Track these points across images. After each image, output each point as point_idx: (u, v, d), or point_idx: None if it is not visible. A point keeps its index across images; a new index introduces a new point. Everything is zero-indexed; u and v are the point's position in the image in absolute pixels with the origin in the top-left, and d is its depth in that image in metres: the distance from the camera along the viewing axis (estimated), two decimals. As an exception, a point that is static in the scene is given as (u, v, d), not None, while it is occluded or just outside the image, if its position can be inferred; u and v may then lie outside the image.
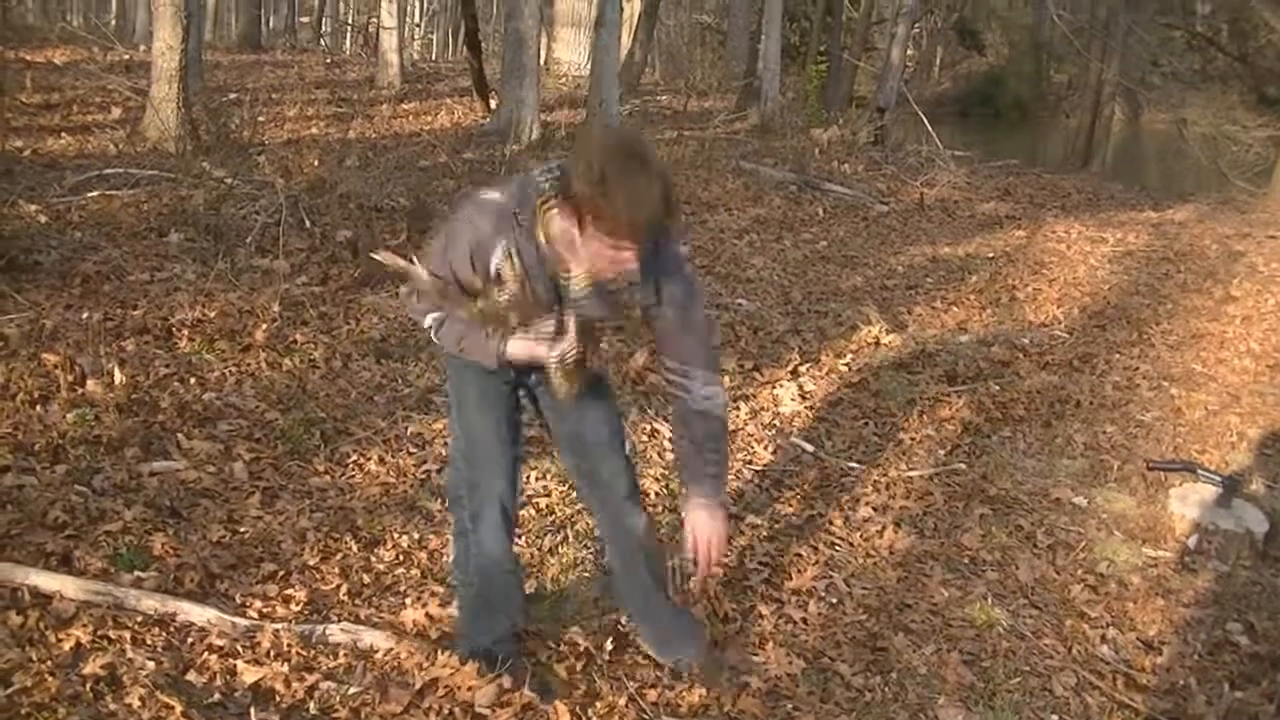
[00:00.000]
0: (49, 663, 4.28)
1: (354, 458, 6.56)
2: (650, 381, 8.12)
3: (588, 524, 6.09)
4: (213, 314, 8.00)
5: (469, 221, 4.16)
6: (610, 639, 5.00)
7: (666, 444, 7.32)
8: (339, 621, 4.91)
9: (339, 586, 5.25)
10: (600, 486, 4.80)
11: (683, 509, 4.57)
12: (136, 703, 4.13)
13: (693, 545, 4.48)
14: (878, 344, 9.72)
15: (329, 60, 29.23)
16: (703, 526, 4.45)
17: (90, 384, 6.71)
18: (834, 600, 5.74)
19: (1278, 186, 22.45)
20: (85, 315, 7.73)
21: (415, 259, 4.29)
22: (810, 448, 7.61)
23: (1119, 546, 6.73)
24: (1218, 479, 7.06)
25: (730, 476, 6.78)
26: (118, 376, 6.76)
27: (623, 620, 5.15)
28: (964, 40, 47.60)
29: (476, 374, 4.48)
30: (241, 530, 5.60)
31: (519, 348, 4.25)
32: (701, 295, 4.40)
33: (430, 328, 4.37)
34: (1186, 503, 7.03)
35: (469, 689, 4.47)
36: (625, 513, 4.79)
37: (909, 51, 28.74)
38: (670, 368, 4.36)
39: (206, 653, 4.56)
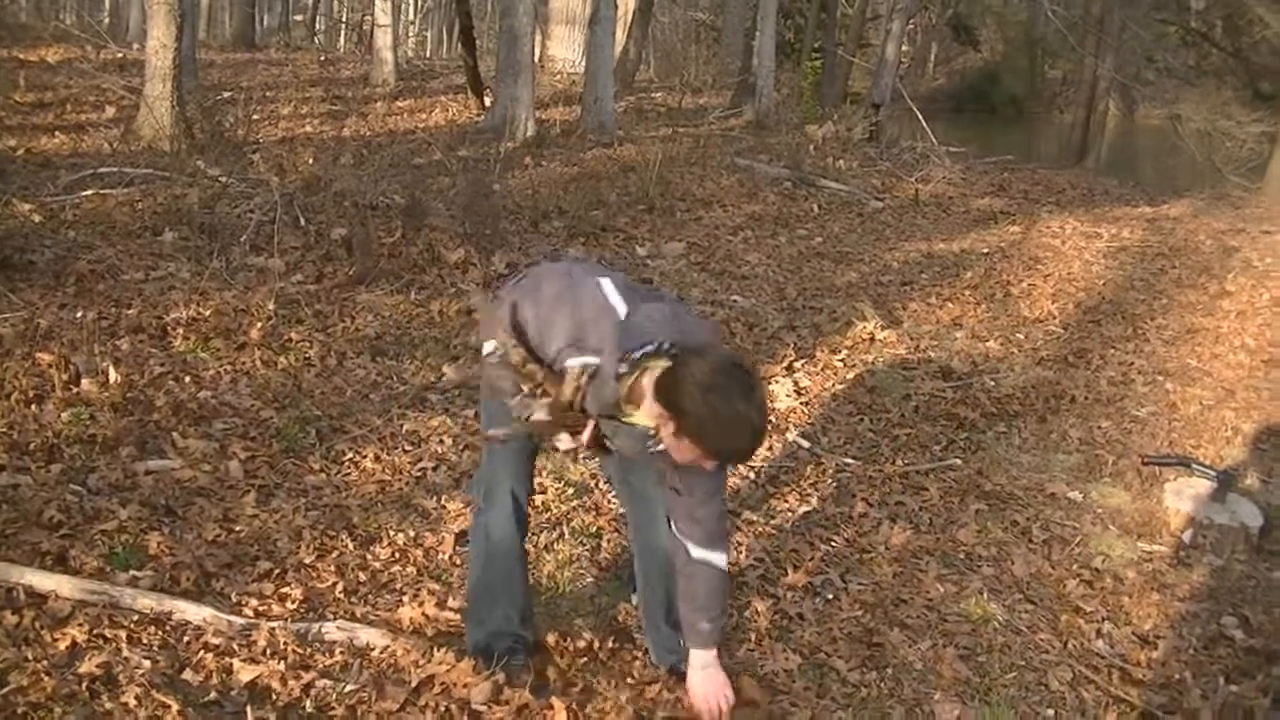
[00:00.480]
0: (45, 662, 4.28)
1: (349, 455, 6.57)
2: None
3: (583, 520, 6.12)
4: (207, 312, 8.00)
5: (582, 305, 4.10)
6: (610, 636, 5.01)
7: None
8: (335, 619, 4.91)
9: (335, 584, 5.25)
10: (641, 501, 4.78)
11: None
12: (132, 701, 4.13)
13: (693, 707, 4.49)
14: (873, 340, 9.72)
15: (323, 58, 29.20)
16: (699, 688, 4.47)
17: (85, 383, 6.71)
18: (830, 596, 5.75)
19: (1272, 182, 22.47)
20: (80, 314, 7.72)
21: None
22: (806, 444, 7.61)
23: (1114, 541, 6.73)
24: (1213, 473, 7.06)
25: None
26: (112, 375, 6.76)
27: (620, 617, 5.16)
28: (959, 36, 47.57)
29: None
30: (237, 529, 5.60)
31: (540, 424, 4.26)
32: (724, 487, 4.41)
33: (486, 356, 4.34)
34: (1181, 497, 7.03)
35: (465, 686, 4.47)
36: (659, 533, 4.72)
37: (904, 47, 28.72)
38: (679, 529, 4.36)
39: (202, 651, 4.56)
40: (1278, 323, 11.75)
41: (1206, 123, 28.81)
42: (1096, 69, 28.18)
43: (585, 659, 4.87)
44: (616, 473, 4.84)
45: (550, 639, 4.96)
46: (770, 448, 7.50)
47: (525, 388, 4.22)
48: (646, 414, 3.98)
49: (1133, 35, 29.15)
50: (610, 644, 4.97)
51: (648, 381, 3.91)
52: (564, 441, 4.32)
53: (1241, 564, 6.61)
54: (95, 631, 4.55)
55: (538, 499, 6.31)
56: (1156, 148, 35.06)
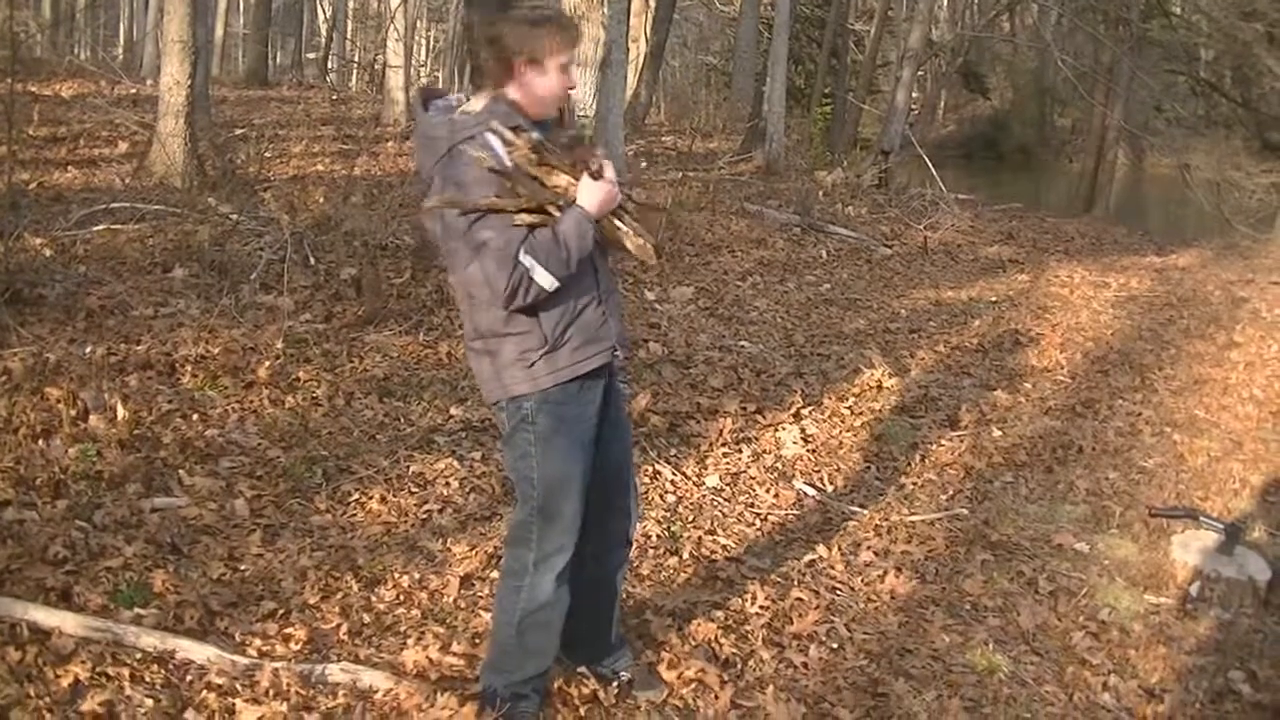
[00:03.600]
0: (47, 699, 4.29)
1: (355, 496, 6.56)
2: (652, 424, 8.12)
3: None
4: (216, 350, 8.00)
5: (461, 158, 4.21)
6: (614, 684, 5.00)
7: (669, 486, 7.34)
8: (339, 661, 4.91)
9: (339, 626, 5.24)
10: (609, 511, 4.80)
11: None
12: (135, 740, 4.13)
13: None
14: (880, 387, 9.71)
15: (335, 97, 29.26)
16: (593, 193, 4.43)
17: (93, 419, 6.72)
18: (835, 645, 5.73)
19: (1281, 232, 22.49)
20: (89, 350, 7.73)
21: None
22: (812, 491, 7.61)
23: (1121, 593, 6.72)
24: (1220, 526, 7.05)
25: (732, 520, 6.79)
26: (120, 412, 6.77)
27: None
28: (969, 84, 47.68)
29: (571, 417, 4.50)
30: (242, 568, 5.60)
31: (591, 196, 4.41)
32: None
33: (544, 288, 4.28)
34: (1189, 549, 7.02)
35: (469, 731, 4.47)
36: (619, 542, 4.89)
37: (914, 94, 28.74)
38: None
39: (205, 691, 4.56)
40: (1286, 375, 11.75)
41: (1215, 173, 28.82)
42: (1106, 118, 28.21)
43: (590, 705, 4.87)
44: (597, 473, 4.70)
45: (556, 685, 4.95)
46: (777, 495, 7.50)
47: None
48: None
49: (1142, 84, 29.17)
50: (615, 691, 4.96)
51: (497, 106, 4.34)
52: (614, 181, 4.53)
53: (1249, 618, 6.59)
54: (98, 669, 4.55)
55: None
56: (1165, 197, 35.10)
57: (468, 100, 4.45)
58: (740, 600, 6.00)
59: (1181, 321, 13.84)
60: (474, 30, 3.96)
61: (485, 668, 4.81)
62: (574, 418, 4.51)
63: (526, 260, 4.19)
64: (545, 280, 4.22)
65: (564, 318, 4.40)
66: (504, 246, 4.18)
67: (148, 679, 4.57)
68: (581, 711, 4.82)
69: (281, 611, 5.29)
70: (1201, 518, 7.22)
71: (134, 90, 21.59)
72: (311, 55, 46.38)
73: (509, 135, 4.22)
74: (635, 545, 6.18)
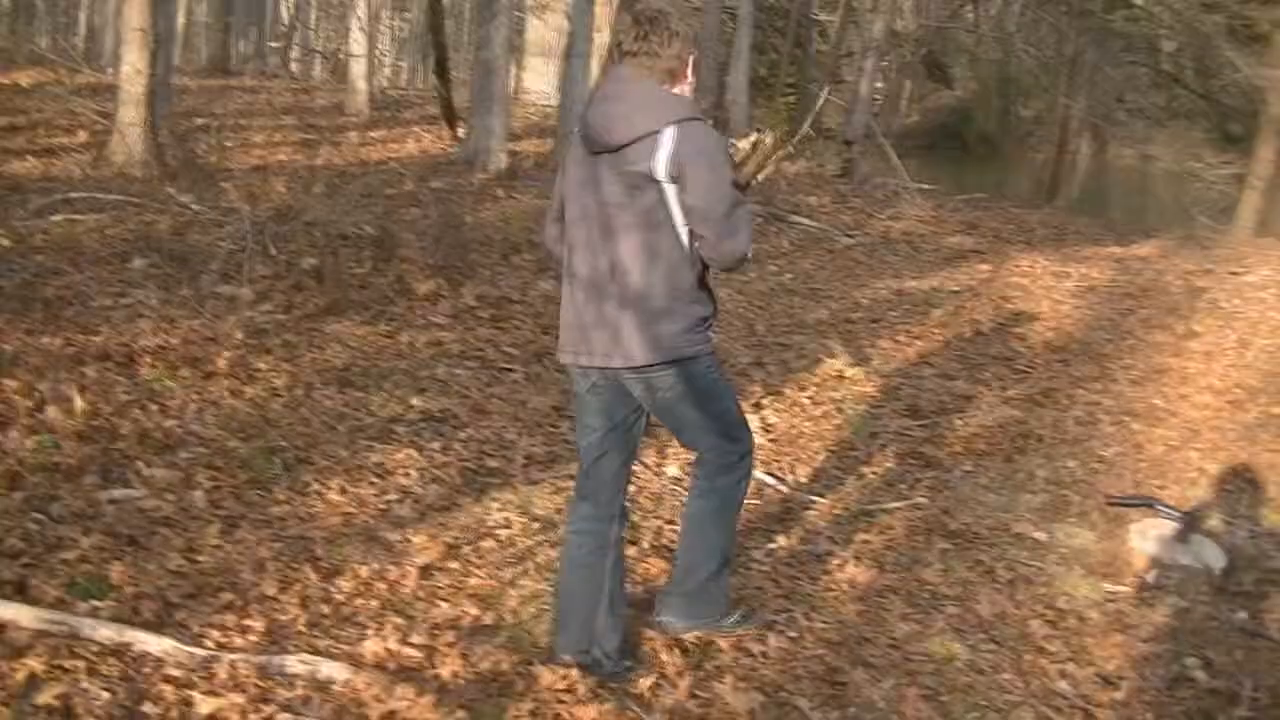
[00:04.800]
0: (2, 692, 4.27)
1: (315, 487, 6.55)
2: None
3: (549, 556, 6.10)
4: (175, 341, 7.98)
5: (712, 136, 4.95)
6: (581, 683, 5.00)
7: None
8: (297, 652, 4.89)
9: (297, 617, 5.23)
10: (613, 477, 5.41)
11: None
12: (91, 733, 4.12)
13: None
14: (841, 377, 9.73)
15: (297, 86, 29.21)
16: None
17: (50, 410, 6.68)
18: (793, 634, 5.74)
19: (1240, 224, 22.56)
20: (46, 340, 7.70)
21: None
22: (772, 481, 7.62)
23: (1078, 581, 6.74)
24: (1177, 514, 7.10)
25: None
26: (78, 403, 6.74)
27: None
28: (932, 74, 47.68)
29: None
30: (200, 559, 5.58)
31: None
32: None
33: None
34: (1146, 538, 7.06)
35: (426, 723, 4.47)
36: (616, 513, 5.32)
37: (877, 85, 28.79)
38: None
39: (162, 683, 4.53)
40: (1244, 364, 11.80)
41: (1176, 164, 29.00)
42: (1068, 109, 28.34)
43: (563, 697, 4.87)
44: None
45: (520, 677, 4.96)
46: (737, 484, 7.51)
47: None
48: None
49: (1104, 76, 29.30)
50: (588, 684, 4.96)
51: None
52: None
53: (1205, 605, 6.62)
54: (54, 662, 4.52)
55: (503, 533, 6.32)
56: (1127, 187, 35.23)
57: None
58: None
59: (1141, 311, 13.87)
60: (650, 19, 4.39)
61: (699, 601, 5.52)
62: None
63: None
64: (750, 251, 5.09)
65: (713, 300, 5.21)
66: (751, 219, 5.05)
67: (104, 671, 4.55)
68: (558, 699, 4.82)
69: (239, 603, 5.27)
70: (1159, 506, 7.27)
71: (94, 79, 21.49)
72: (274, 44, 46.23)
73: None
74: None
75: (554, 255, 5.64)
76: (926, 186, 22.54)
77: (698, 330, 5.05)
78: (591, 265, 5.06)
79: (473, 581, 5.80)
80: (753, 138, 5.40)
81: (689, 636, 5.50)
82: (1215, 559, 6.89)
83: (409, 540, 6.10)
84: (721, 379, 5.38)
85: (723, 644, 5.50)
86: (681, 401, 5.17)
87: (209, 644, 4.89)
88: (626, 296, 4.96)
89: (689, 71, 4.99)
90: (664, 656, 5.32)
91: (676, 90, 4.94)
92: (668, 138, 4.75)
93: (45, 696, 4.26)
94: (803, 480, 7.74)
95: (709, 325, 5.14)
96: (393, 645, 5.05)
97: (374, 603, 5.49)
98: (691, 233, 4.91)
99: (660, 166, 4.76)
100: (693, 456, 5.66)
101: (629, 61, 4.96)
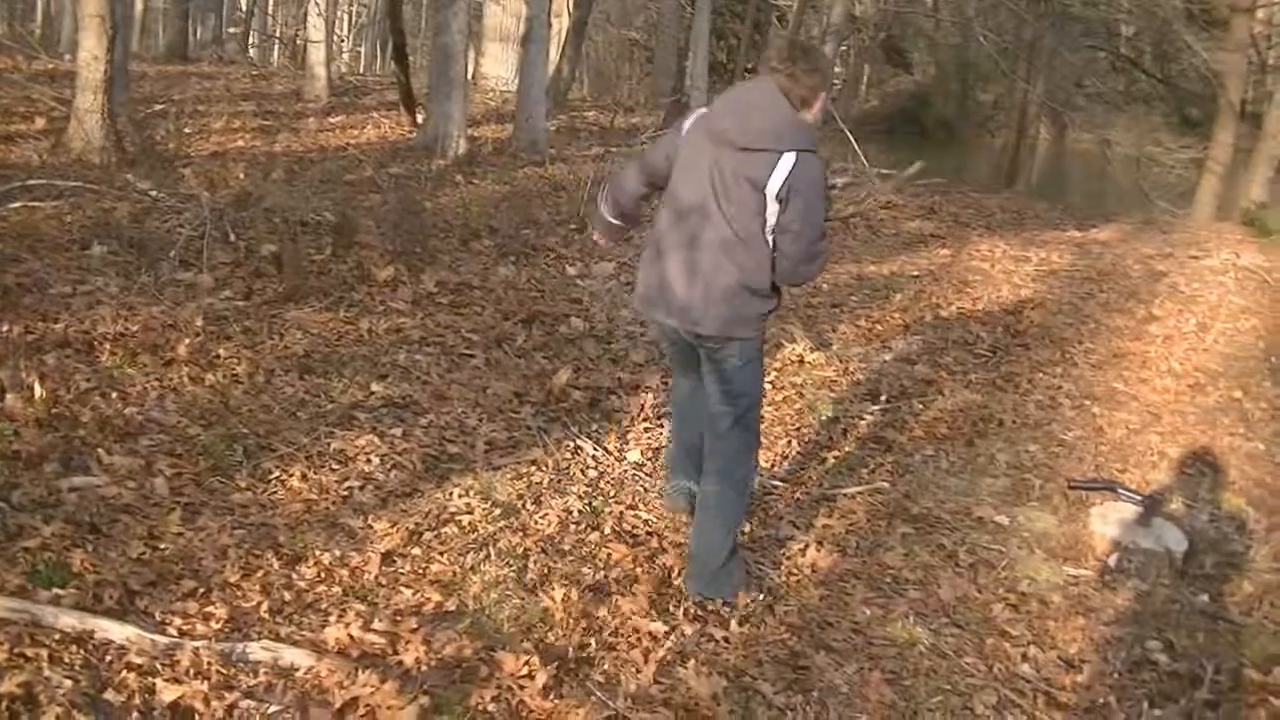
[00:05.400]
0: (-36, 681, 4.24)
1: (276, 474, 6.52)
2: (574, 399, 8.12)
3: (510, 541, 6.13)
4: (135, 328, 7.94)
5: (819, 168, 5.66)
6: (553, 663, 5.01)
7: (590, 461, 7.34)
8: (259, 639, 4.88)
9: (260, 604, 5.22)
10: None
11: None
12: (53, 721, 4.10)
13: None
14: (802, 362, 9.74)
15: (256, 73, 29.09)
16: None
17: (9, 398, 6.63)
18: (756, 619, 5.76)
19: (1199, 208, 22.69)
20: (5, 328, 7.64)
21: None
22: (734, 465, 7.63)
23: (1040, 565, 6.78)
24: (1138, 498, 7.13)
25: (653, 494, 6.81)
26: (38, 391, 6.69)
27: (552, 639, 5.16)
28: (891, 59, 47.88)
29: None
30: (162, 547, 5.55)
31: None
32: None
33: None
34: (1107, 521, 7.09)
35: (390, 709, 4.46)
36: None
37: (836, 69, 28.81)
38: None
39: (125, 671, 4.52)
40: (1204, 348, 11.85)
41: (1135, 148, 29.09)
42: (1027, 93, 28.43)
43: (525, 683, 4.88)
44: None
45: (482, 663, 4.96)
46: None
47: None
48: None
49: (1063, 61, 29.39)
50: (550, 670, 4.97)
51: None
52: None
53: (1166, 588, 6.67)
54: (15, 650, 4.49)
55: (464, 519, 6.32)
56: (1086, 172, 35.39)
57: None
58: (662, 575, 6.01)
59: (1101, 295, 13.91)
60: (804, 50, 5.48)
61: (713, 563, 5.93)
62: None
63: None
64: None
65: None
66: (829, 254, 6.08)
67: (67, 660, 4.52)
68: (508, 700, 4.82)
69: (202, 590, 5.25)
70: (1120, 490, 7.30)
71: (51, 65, 21.34)
72: (233, 31, 46.07)
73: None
74: (557, 520, 6.47)
75: (619, 204, 6.47)
76: (886, 171, 22.55)
77: (760, 320, 5.83)
78: (689, 241, 5.71)
79: (435, 567, 5.79)
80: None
81: (649, 621, 5.52)
82: (1176, 542, 6.93)
83: (371, 527, 6.09)
84: (761, 374, 6.16)
85: (687, 629, 5.53)
86: (725, 373, 5.86)
87: (171, 631, 4.87)
88: (710, 279, 5.66)
89: (817, 103, 5.66)
90: (628, 641, 5.33)
91: (806, 115, 5.62)
92: (787, 163, 5.42)
93: (7, 685, 4.24)
94: (764, 465, 7.73)
95: (767, 318, 5.89)
96: (355, 632, 5.04)
97: (336, 589, 5.48)
98: (775, 244, 5.60)
99: (774, 185, 5.43)
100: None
101: (773, 77, 5.62)
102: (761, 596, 5.96)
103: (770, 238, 5.58)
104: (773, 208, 5.48)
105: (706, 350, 5.85)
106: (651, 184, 6.22)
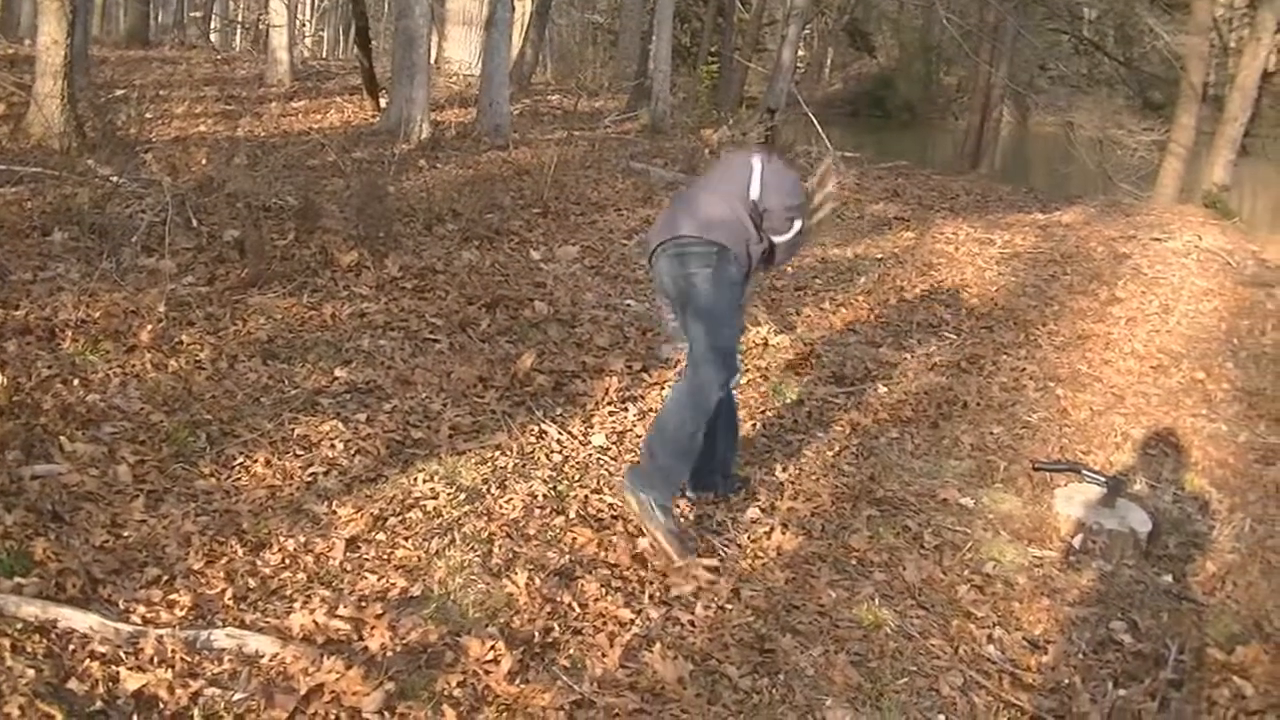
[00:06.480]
0: (-76, 671, 4.22)
1: (240, 460, 6.49)
2: (538, 383, 8.11)
3: (475, 526, 6.11)
4: (97, 314, 7.90)
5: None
6: (519, 649, 5.01)
7: (554, 445, 7.33)
8: (224, 626, 4.86)
9: (224, 591, 5.19)
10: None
11: None
12: (16, 712, 4.07)
13: None
14: (766, 345, 9.75)
15: (218, 57, 29.00)
16: None
17: (-30, 386, 6.61)
18: (722, 602, 5.75)
19: (1162, 190, 22.77)
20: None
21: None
22: (700, 449, 7.63)
23: (1005, 547, 6.80)
24: (1102, 479, 7.16)
25: (618, 478, 6.80)
26: (-1, 378, 6.66)
27: (517, 624, 5.16)
28: (855, 42, 47.88)
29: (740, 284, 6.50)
30: (125, 534, 5.52)
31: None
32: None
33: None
34: (1071, 503, 7.12)
35: (355, 695, 4.45)
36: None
37: (800, 53, 28.87)
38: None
39: (88, 660, 4.49)
40: (1167, 329, 11.90)
41: (1098, 131, 29.15)
42: (991, 76, 28.45)
43: (490, 668, 4.87)
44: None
45: (448, 648, 4.95)
46: (664, 453, 7.51)
47: None
48: None
49: (1026, 43, 29.43)
50: (516, 655, 4.96)
51: None
52: None
53: (1130, 569, 6.70)
54: (-24, 640, 4.47)
55: (429, 504, 6.30)
56: (1049, 154, 35.49)
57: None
58: (627, 559, 6.01)
59: (1065, 278, 13.97)
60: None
61: (642, 483, 6.12)
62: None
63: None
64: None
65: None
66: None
67: (29, 649, 4.49)
68: (473, 685, 4.82)
69: (165, 578, 5.23)
70: (1084, 471, 7.33)
71: (11, 50, 21.29)
72: (195, 15, 45.87)
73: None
74: (522, 505, 6.46)
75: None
76: (849, 154, 22.62)
77: (732, 240, 6.33)
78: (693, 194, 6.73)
79: (399, 553, 5.78)
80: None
81: (614, 606, 5.52)
82: (1140, 523, 6.96)
83: (335, 512, 6.07)
84: (732, 302, 6.41)
85: (653, 613, 5.52)
86: (694, 292, 6.31)
87: (135, 619, 4.84)
88: (705, 206, 6.50)
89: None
90: (592, 626, 5.33)
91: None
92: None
93: (-31, 675, 4.22)
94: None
95: (740, 251, 6.37)
96: (320, 618, 5.02)
97: (301, 575, 5.46)
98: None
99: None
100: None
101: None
102: (726, 580, 5.96)
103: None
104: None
105: (682, 272, 6.35)
106: None
